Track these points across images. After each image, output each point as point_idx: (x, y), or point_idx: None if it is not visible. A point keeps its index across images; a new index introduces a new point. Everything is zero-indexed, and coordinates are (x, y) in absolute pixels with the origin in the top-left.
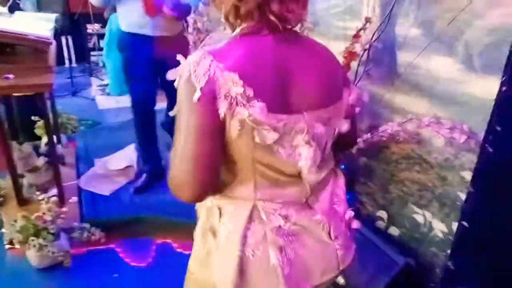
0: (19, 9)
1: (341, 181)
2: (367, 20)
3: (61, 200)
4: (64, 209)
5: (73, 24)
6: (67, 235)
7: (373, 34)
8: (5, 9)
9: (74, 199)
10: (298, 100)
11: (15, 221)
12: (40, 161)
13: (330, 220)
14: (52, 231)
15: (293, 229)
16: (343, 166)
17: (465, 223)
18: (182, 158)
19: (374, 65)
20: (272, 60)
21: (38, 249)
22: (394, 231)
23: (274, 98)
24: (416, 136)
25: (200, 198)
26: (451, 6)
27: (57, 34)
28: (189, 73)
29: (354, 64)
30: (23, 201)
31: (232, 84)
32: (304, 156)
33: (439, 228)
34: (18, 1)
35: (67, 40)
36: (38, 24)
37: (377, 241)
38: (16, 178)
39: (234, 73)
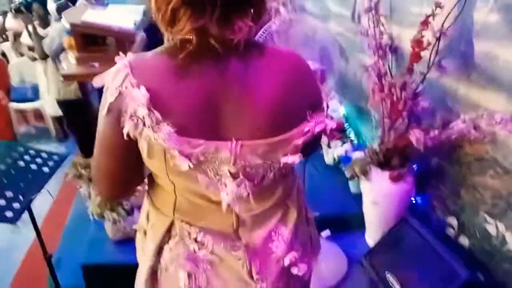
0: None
1: (292, 218)
2: (437, 5)
3: None
4: (139, 187)
5: None
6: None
7: (444, 21)
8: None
9: None
10: (230, 127)
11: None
12: None
13: (255, 259)
14: (126, 207)
15: (209, 257)
16: (415, 166)
17: None
18: (93, 163)
19: (448, 55)
20: (202, 79)
21: (112, 222)
22: (464, 240)
23: (195, 122)
24: (490, 136)
25: (113, 199)
26: None
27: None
28: (107, 84)
29: (426, 54)
30: None
31: (138, 104)
32: (227, 190)
33: None
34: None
35: None
36: (125, 16)
37: (443, 250)
38: None
39: (144, 92)
